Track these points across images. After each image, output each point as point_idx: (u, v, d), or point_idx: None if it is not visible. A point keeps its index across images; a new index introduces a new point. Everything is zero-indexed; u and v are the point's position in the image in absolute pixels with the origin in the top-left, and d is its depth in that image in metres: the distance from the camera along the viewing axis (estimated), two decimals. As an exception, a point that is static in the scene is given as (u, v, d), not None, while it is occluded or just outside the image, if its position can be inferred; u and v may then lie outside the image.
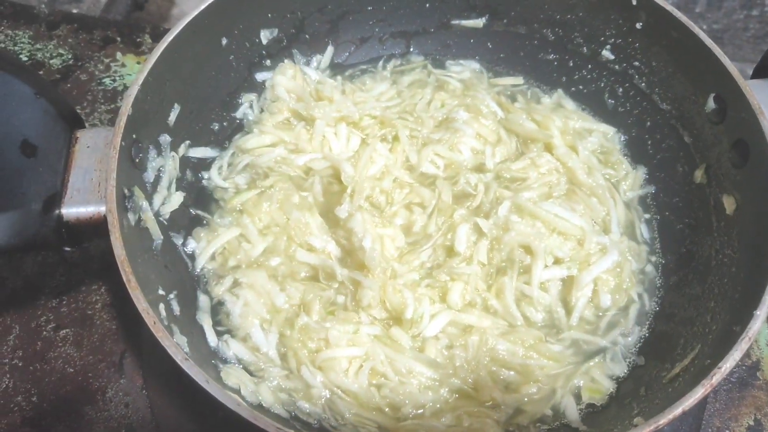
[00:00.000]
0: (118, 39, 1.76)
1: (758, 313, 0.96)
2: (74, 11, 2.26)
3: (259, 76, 1.46)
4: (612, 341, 1.21)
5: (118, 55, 1.73)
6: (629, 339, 1.22)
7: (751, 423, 1.30)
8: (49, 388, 1.27)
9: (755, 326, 0.96)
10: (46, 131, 1.06)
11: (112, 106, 1.64)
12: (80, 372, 1.30)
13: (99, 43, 1.74)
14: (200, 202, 1.32)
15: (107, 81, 1.68)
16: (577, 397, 1.14)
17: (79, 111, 1.60)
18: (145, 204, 1.13)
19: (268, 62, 1.46)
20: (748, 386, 1.33)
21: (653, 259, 1.32)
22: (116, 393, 1.28)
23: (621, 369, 1.18)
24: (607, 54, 1.43)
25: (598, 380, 1.16)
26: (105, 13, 1.88)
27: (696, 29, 1.23)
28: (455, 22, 1.53)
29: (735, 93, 1.15)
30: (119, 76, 1.69)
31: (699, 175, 1.29)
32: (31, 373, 1.29)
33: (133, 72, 1.70)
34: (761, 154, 1.09)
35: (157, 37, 1.76)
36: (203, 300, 1.21)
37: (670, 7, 1.27)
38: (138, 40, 1.76)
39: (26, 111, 1.04)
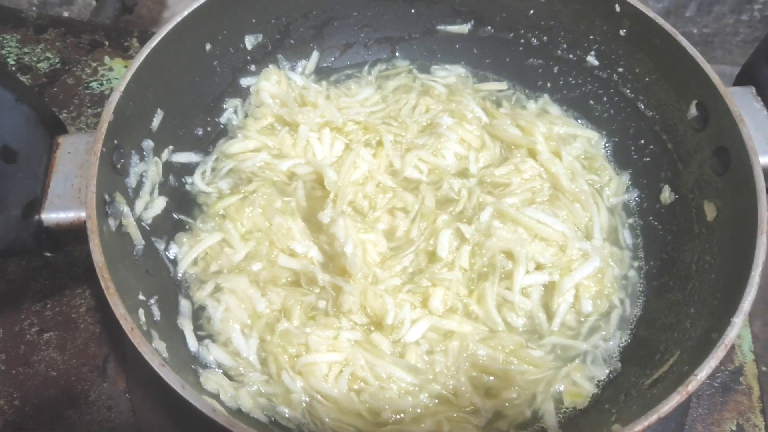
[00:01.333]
0: (106, 43, 1.76)
1: (735, 320, 0.96)
2: (65, 14, 2.27)
3: (244, 82, 1.45)
4: (593, 345, 1.21)
5: (106, 59, 1.73)
6: (610, 343, 1.22)
7: (734, 428, 1.30)
8: (31, 392, 1.27)
9: (732, 333, 0.96)
10: (27, 137, 1.06)
11: (99, 110, 1.63)
12: (63, 375, 1.30)
13: (87, 47, 1.74)
14: (183, 206, 1.33)
15: (94, 85, 1.68)
16: (559, 402, 1.15)
17: (65, 115, 1.61)
18: (126, 209, 1.12)
19: (252, 67, 1.46)
20: (731, 391, 1.34)
21: (636, 264, 1.32)
22: (99, 397, 1.28)
23: (602, 371, 1.19)
24: (591, 60, 1.43)
25: (579, 383, 1.16)
26: (94, 17, 1.88)
27: (679, 36, 1.23)
28: (440, 27, 1.53)
29: (716, 100, 1.15)
30: (106, 80, 1.69)
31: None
32: (14, 376, 1.29)
33: (120, 76, 1.70)
34: (741, 162, 1.09)
35: (145, 41, 1.72)
36: (184, 305, 1.21)
37: (653, 14, 1.27)
38: (126, 44, 1.76)
39: (7, 116, 1.04)
